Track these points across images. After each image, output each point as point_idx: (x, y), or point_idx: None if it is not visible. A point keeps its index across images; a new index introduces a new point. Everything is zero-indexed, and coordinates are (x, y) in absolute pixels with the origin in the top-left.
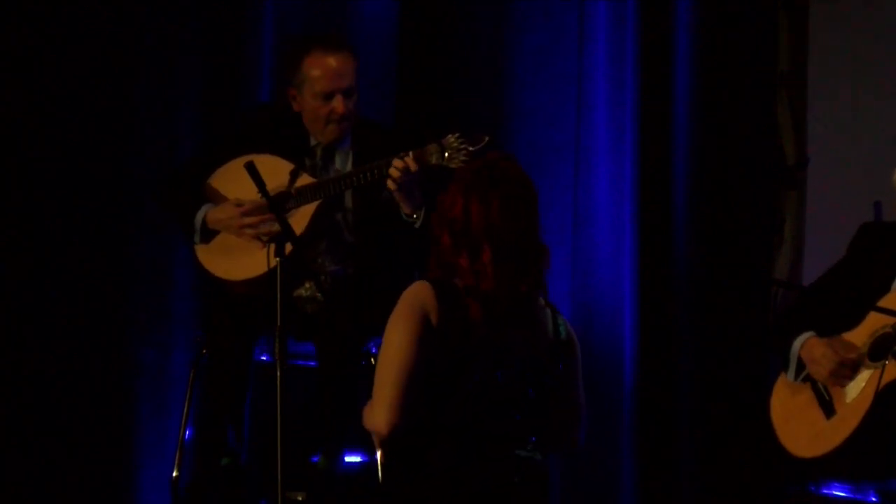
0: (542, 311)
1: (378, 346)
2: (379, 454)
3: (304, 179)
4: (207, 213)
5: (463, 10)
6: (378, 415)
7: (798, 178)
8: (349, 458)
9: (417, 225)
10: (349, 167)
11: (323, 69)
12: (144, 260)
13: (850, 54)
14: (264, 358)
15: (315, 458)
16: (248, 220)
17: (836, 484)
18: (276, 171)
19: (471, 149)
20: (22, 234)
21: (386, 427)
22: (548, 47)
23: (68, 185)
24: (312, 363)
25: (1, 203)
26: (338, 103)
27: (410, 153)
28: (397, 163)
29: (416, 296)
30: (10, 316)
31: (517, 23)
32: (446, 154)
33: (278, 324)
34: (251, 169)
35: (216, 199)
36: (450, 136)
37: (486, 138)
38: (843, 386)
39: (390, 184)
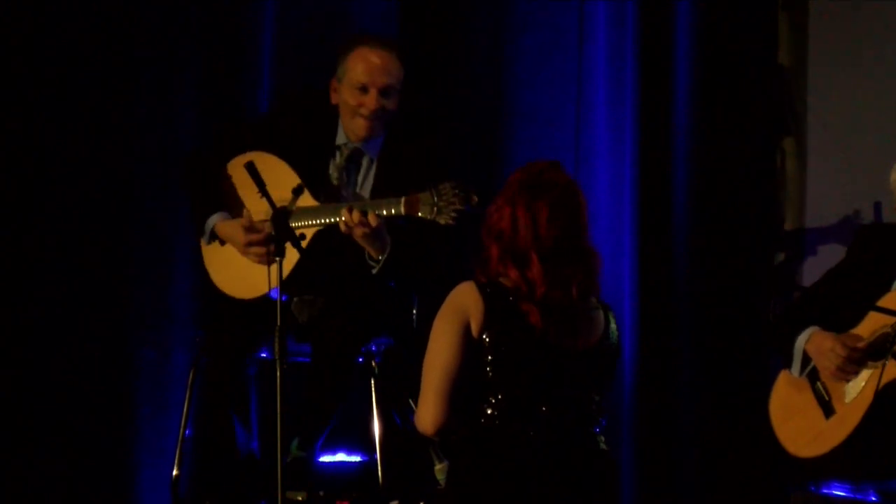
0: (594, 313)
1: (378, 347)
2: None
3: (306, 200)
4: (217, 223)
5: (463, 10)
6: (423, 416)
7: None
8: (351, 458)
9: (375, 271)
10: (371, 180)
11: (364, 63)
12: (144, 260)
13: (850, 53)
14: (264, 355)
15: (291, 443)
16: (254, 246)
17: (836, 484)
18: (280, 182)
19: (460, 208)
20: (22, 235)
21: (431, 427)
22: (548, 47)
23: (68, 185)
24: None
25: (1, 204)
26: (370, 99)
27: (389, 208)
28: (357, 215)
29: (459, 298)
30: (10, 316)
31: (517, 23)
32: (437, 209)
33: (278, 323)
34: (251, 169)
35: (231, 192)
36: (447, 183)
37: (476, 199)
38: (847, 381)
39: (343, 226)
